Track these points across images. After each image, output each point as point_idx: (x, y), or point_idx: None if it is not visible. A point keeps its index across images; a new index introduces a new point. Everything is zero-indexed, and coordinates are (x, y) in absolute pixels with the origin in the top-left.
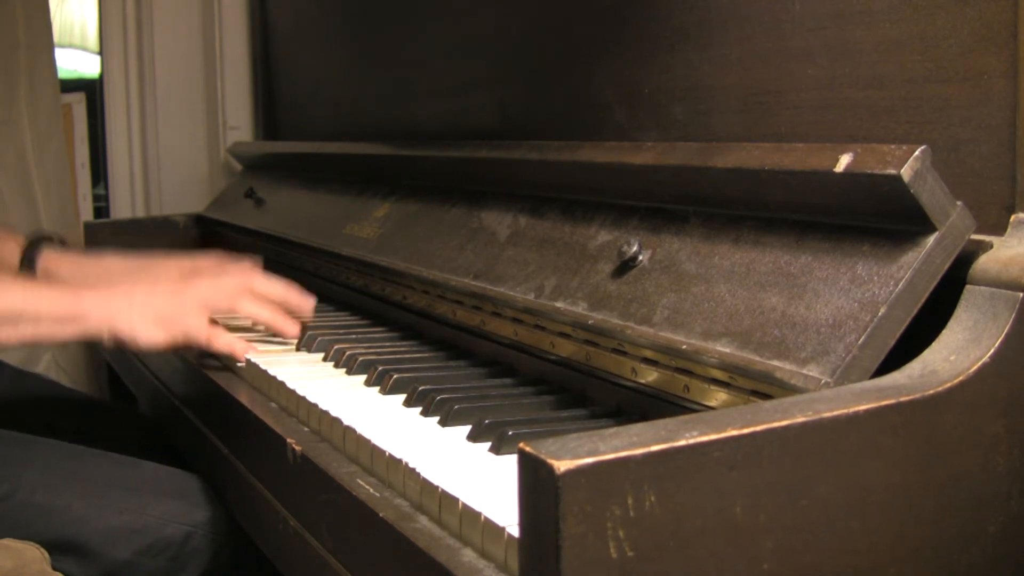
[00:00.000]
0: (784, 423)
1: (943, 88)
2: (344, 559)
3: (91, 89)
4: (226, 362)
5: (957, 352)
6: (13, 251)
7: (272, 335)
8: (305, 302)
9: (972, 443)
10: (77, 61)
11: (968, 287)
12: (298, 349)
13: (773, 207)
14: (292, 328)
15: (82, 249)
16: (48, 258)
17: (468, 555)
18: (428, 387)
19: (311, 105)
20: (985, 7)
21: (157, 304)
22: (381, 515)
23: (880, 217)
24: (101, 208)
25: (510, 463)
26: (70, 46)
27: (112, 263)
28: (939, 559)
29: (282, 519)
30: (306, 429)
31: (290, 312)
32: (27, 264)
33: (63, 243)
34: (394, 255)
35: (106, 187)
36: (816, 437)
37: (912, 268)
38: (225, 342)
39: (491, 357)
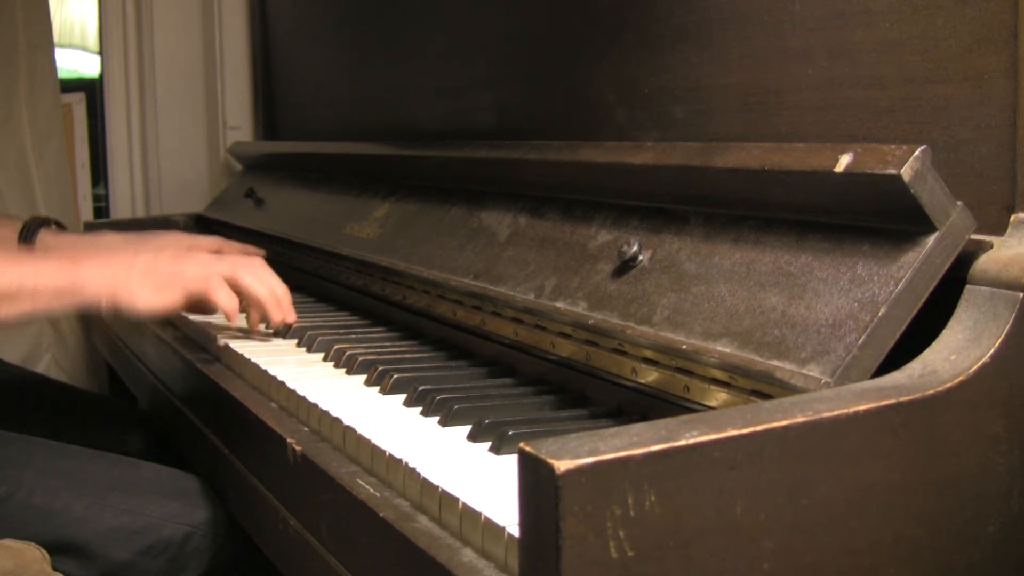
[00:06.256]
0: (784, 423)
1: (943, 88)
2: (344, 559)
3: (91, 89)
4: (216, 353)
5: (957, 352)
6: (11, 235)
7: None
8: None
9: (972, 443)
10: (77, 61)
11: (968, 287)
12: (298, 347)
13: (773, 207)
14: (279, 316)
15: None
16: (46, 237)
17: (468, 555)
18: (428, 387)
19: (311, 105)
20: (985, 7)
21: (159, 268)
22: (381, 515)
23: (880, 217)
24: (101, 208)
25: (510, 463)
26: (70, 46)
27: (110, 238)
28: (939, 559)
29: (282, 519)
30: (306, 429)
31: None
32: (25, 242)
33: (60, 226)
34: (394, 255)
35: (106, 187)
36: (816, 437)
37: (912, 268)
38: (225, 295)
39: (491, 357)
